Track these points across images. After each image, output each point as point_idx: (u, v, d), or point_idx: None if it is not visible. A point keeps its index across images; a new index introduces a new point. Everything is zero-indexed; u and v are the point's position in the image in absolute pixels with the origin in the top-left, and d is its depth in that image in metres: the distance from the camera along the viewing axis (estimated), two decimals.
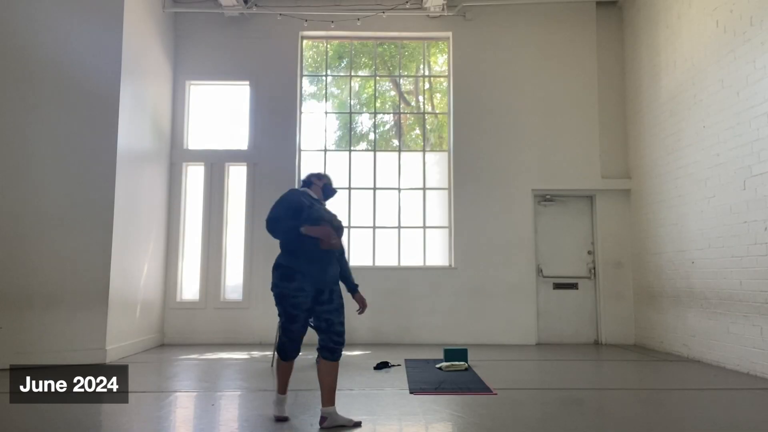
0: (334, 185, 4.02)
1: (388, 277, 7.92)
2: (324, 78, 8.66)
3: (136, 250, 6.90)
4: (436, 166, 8.46)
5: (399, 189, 8.34)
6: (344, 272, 3.80)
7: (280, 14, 8.12)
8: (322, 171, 3.89)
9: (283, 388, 3.71)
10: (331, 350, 3.53)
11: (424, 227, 8.27)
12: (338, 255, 3.72)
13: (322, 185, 3.91)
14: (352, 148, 8.50)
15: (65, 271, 5.95)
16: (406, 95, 8.87)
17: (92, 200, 6.13)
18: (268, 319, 7.71)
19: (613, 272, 8.04)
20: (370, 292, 7.80)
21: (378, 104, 8.66)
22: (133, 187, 6.76)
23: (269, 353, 6.47)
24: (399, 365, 5.88)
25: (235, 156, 8.25)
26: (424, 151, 8.47)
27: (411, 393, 4.51)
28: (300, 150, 8.35)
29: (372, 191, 8.33)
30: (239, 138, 8.41)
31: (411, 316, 7.85)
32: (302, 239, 3.49)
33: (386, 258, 8.18)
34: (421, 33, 8.50)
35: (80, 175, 6.12)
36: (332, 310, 3.55)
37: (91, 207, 6.12)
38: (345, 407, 4.09)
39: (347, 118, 8.59)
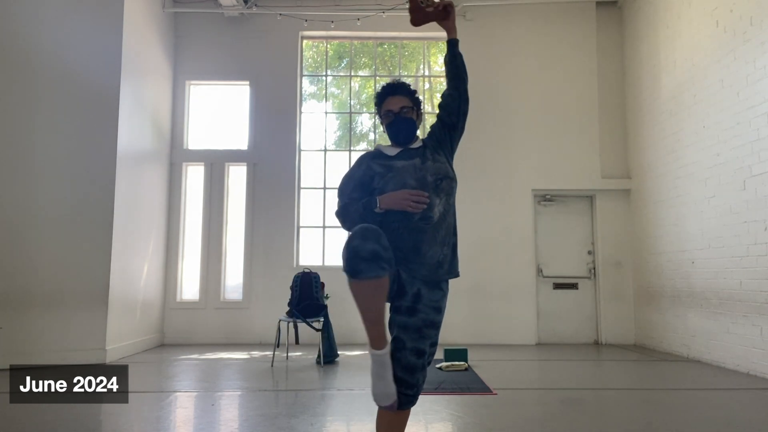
0: (387, 113, 2.48)
1: None
2: (324, 78, 8.66)
3: (136, 250, 6.91)
4: None
5: None
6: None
7: (280, 14, 8.12)
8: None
9: None
10: None
11: None
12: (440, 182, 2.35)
13: (386, 125, 2.49)
14: (352, 148, 8.50)
15: (65, 271, 5.95)
16: None
17: (92, 200, 6.14)
18: (268, 319, 7.71)
19: (613, 272, 8.04)
20: None
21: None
22: (133, 187, 6.76)
23: (269, 353, 6.47)
24: None
25: (235, 156, 8.25)
26: None
27: None
28: (300, 150, 8.35)
29: None
30: (239, 138, 8.41)
31: None
32: (385, 222, 2.29)
33: None
34: (421, 33, 8.50)
35: (80, 175, 6.12)
36: (408, 325, 2.26)
37: (91, 207, 6.12)
38: (345, 407, 4.09)
39: (347, 118, 8.59)
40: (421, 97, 2.56)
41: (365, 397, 4.43)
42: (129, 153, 6.65)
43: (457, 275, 2.42)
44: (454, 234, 2.42)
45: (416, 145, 2.50)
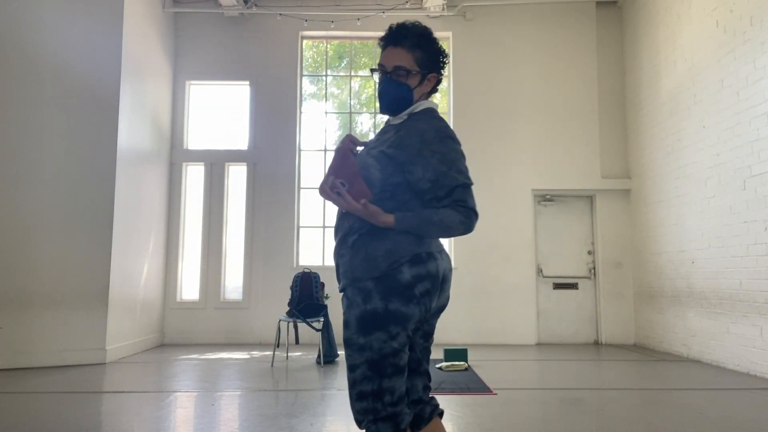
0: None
1: None
2: (324, 78, 8.66)
3: (136, 250, 6.91)
4: None
5: None
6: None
7: (280, 14, 8.12)
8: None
9: None
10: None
11: None
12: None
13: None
14: None
15: (65, 271, 5.95)
16: None
17: (92, 200, 6.14)
18: (268, 319, 7.72)
19: (613, 272, 8.04)
20: None
21: (378, 104, 8.65)
22: (133, 187, 6.76)
23: (269, 353, 6.48)
24: None
25: (235, 156, 8.25)
26: None
27: None
28: (300, 150, 8.35)
29: None
30: (239, 138, 8.42)
31: None
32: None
33: None
34: None
35: (80, 175, 6.13)
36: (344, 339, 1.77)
37: (91, 207, 6.13)
38: (345, 407, 4.09)
39: (347, 118, 8.59)
40: (439, 55, 1.86)
41: None
42: (129, 153, 6.65)
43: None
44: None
45: (400, 119, 1.87)
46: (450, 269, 1.84)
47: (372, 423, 1.69)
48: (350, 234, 1.76)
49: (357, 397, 1.71)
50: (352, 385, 1.72)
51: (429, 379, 1.86)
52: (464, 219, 1.71)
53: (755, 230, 5.42)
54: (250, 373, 5.53)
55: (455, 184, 1.71)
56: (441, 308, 1.84)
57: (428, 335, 1.87)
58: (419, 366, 1.83)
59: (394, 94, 1.83)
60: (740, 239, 5.64)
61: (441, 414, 1.87)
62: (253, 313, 7.86)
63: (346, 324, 1.74)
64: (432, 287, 1.72)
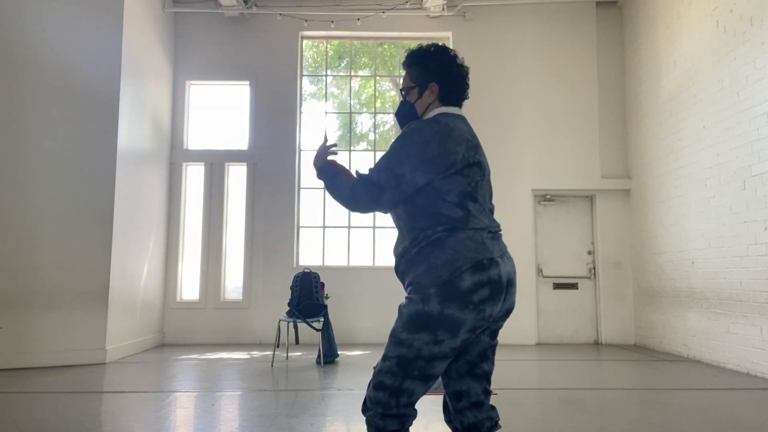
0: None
1: (388, 277, 7.92)
2: (324, 78, 8.66)
3: (136, 250, 6.91)
4: None
5: None
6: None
7: (280, 14, 8.12)
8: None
9: None
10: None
11: None
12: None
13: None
14: (352, 148, 8.50)
15: (65, 271, 5.95)
16: None
17: (92, 200, 6.14)
18: (268, 319, 7.72)
19: (613, 272, 8.04)
20: (370, 292, 7.84)
21: (378, 104, 8.66)
22: (133, 187, 6.76)
23: (269, 353, 6.47)
24: None
25: (235, 156, 8.25)
26: None
27: None
28: (300, 150, 8.35)
29: None
30: (239, 138, 8.42)
31: None
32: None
33: (387, 258, 8.19)
34: (421, 33, 8.50)
35: (80, 175, 6.13)
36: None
37: (91, 207, 6.13)
38: (345, 407, 4.09)
39: (347, 118, 8.59)
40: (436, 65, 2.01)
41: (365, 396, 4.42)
42: (129, 153, 6.65)
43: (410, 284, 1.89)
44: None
45: None
46: (514, 271, 1.90)
47: (380, 418, 1.78)
48: (411, 247, 1.86)
49: (376, 385, 1.80)
50: (377, 373, 1.81)
51: (489, 382, 1.92)
52: (349, 198, 1.90)
53: (755, 230, 5.42)
54: (250, 373, 5.53)
55: (368, 171, 1.90)
56: (508, 310, 1.91)
57: (494, 334, 1.94)
58: (474, 368, 1.89)
59: (401, 110, 2.09)
60: (740, 239, 5.64)
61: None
62: (253, 313, 7.86)
63: (399, 317, 1.83)
64: (491, 293, 1.77)
